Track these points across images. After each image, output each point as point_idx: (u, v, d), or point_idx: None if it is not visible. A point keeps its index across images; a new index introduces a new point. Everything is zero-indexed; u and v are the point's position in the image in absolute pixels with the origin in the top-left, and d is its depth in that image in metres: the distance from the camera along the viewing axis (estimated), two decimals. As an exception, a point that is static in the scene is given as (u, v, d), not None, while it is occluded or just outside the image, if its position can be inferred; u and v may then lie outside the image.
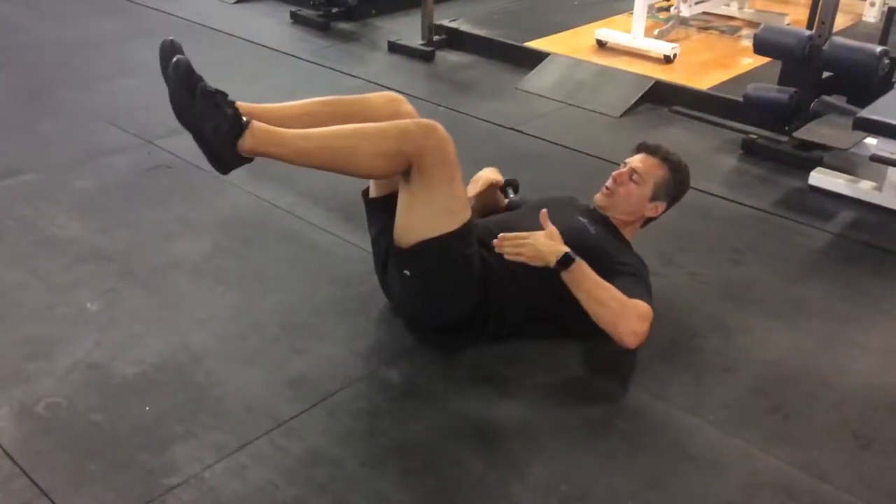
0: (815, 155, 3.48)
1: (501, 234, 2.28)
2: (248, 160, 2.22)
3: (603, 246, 2.40)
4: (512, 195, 2.77)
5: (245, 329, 2.47)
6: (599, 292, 2.22)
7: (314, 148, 2.23)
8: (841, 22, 5.51)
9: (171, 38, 2.21)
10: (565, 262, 2.22)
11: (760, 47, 3.61)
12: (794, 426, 2.15)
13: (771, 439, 2.10)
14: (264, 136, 2.17)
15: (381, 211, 2.43)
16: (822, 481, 1.97)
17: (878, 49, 3.33)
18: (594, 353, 2.34)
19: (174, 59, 2.12)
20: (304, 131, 2.23)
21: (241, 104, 2.28)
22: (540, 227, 2.31)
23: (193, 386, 2.23)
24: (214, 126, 2.12)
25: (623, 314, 2.19)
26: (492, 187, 2.72)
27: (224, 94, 2.22)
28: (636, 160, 2.53)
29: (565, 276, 2.23)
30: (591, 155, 3.61)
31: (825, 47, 3.41)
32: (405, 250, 2.31)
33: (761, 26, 3.69)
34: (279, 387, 2.24)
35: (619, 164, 2.57)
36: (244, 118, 2.16)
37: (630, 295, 2.23)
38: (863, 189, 3.24)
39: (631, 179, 2.49)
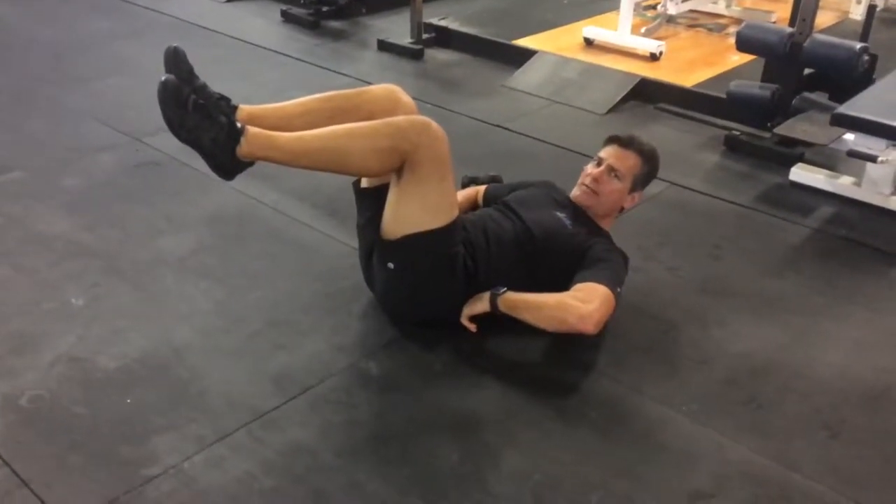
0: (796, 151, 3.52)
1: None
2: (250, 164, 2.26)
3: (577, 241, 2.45)
4: None
5: (228, 324, 2.50)
6: (533, 301, 2.30)
7: (309, 150, 2.26)
8: (828, 19, 5.57)
9: (174, 45, 2.21)
10: (493, 300, 2.33)
11: (742, 44, 3.64)
12: (765, 417, 2.18)
13: (742, 430, 2.13)
14: (260, 141, 2.21)
15: (371, 201, 2.46)
16: (791, 470, 2.01)
17: (858, 46, 3.36)
18: (570, 345, 2.37)
19: (162, 79, 2.14)
20: (299, 134, 2.27)
21: (243, 107, 2.34)
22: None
23: (175, 379, 2.26)
24: (212, 137, 2.16)
25: (563, 307, 2.25)
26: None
27: (227, 100, 2.26)
28: (611, 156, 2.56)
29: (501, 307, 2.32)
30: (575, 152, 3.63)
31: (806, 44, 3.44)
32: (391, 243, 2.35)
33: (744, 23, 3.73)
34: (260, 380, 2.27)
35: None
36: (239, 124, 2.19)
37: (592, 280, 2.28)
38: (842, 184, 3.28)
39: (611, 176, 2.53)
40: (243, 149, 2.19)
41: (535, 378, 2.32)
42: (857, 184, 3.24)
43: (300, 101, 2.45)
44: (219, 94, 2.25)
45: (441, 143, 2.28)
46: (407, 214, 2.31)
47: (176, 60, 2.18)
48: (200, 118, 2.14)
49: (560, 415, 2.17)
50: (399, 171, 2.28)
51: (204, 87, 2.21)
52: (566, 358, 2.38)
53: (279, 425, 2.11)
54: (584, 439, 2.10)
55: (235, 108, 2.30)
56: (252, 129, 2.20)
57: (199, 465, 1.97)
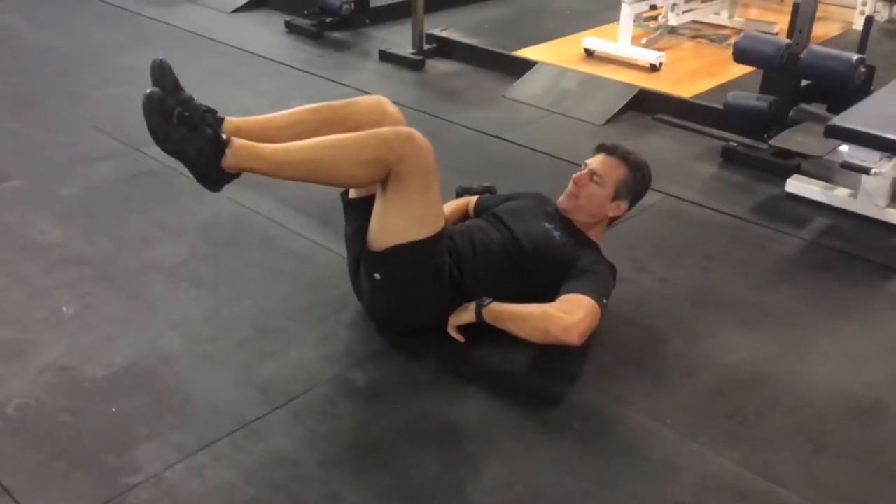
0: (793, 162, 3.50)
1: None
2: (236, 175, 2.27)
3: (565, 253, 2.45)
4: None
5: (216, 332, 2.51)
6: (518, 312, 2.30)
7: (294, 161, 2.27)
8: (832, 30, 5.57)
9: (160, 58, 2.22)
10: (478, 311, 2.34)
11: (740, 56, 3.64)
12: (750, 429, 2.17)
13: (726, 442, 2.12)
14: (245, 152, 2.22)
15: (359, 212, 2.46)
16: (773, 483, 2.00)
17: (855, 57, 3.35)
18: (557, 356, 2.37)
19: (147, 91, 2.15)
20: (284, 145, 2.28)
21: (230, 119, 2.34)
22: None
23: (162, 388, 2.27)
24: (198, 148, 2.18)
25: (548, 318, 2.24)
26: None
27: (213, 112, 2.27)
28: (595, 161, 2.57)
29: (486, 318, 2.33)
30: (571, 162, 3.62)
31: (803, 55, 3.44)
32: (376, 254, 2.35)
33: (741, 34, 3.72)
34: (246, 389, 2.28)
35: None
36: (224, 136, 2.20)
37: (577, 292, 2.28)
38: (838, 196, 3.26)
39: (591, 181, 2.53)
40: (229, 160, 2.20)
41: (521, 388, 2.32)
42: (853, 195, 3.22)
43: (288, 112, 2.46)
44: (205, 106, 2.26)
45: (426, 153, 2.28)
46: (392, 225, 2.32)
47: (162, 73, 2.19)
48: (186, 130, 2.16)
49: (543, 426, 2.17)
50: (384, 181, 2.29)
51: (189, 99, 2.22)
52: (553, 368, 2.37)
53: (262, 435, 2.11)
54: (567, 451, 2.09)
55: (222, 120, 2.31)
56: (237, 141, 2.21)
57: (180, 474, 1.98)
